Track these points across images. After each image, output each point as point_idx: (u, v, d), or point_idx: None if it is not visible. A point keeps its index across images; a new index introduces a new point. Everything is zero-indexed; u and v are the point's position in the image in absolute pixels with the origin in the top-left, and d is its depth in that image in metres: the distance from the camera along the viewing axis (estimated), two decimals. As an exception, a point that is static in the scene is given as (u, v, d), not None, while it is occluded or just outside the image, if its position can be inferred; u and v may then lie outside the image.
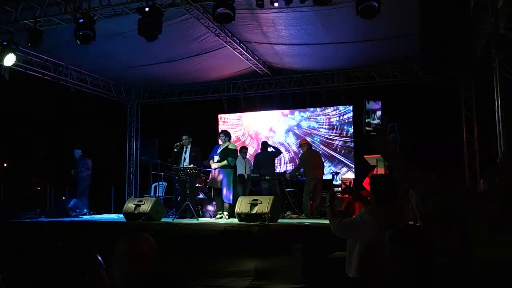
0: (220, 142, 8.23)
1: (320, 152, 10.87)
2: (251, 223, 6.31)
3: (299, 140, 10.39)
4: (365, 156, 7.65)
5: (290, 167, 11.46)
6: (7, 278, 2.01)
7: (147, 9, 6.67)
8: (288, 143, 12.02)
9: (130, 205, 7.41)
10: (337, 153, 11.47)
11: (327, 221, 3.80)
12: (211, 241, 6.18)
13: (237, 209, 6.70)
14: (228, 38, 8.67)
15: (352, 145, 11.31)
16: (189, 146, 8.12)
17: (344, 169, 11.28)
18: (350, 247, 3.24)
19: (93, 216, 9.41)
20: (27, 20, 7.65)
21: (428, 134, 9.63)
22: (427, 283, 1.97)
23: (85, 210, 9.46)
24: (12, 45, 8.00)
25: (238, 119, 12.61)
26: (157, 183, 10.95)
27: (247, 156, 9.78)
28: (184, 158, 8.07)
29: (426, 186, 1.75)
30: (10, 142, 11.05)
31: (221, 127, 12.10)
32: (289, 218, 8.16)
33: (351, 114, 11.41)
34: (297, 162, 9.68)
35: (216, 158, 8.01)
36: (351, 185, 3.91)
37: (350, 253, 3.22)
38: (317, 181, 8.52)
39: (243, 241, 6.03)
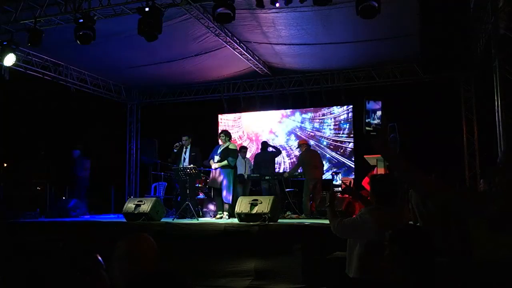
0: (220, 142, 8.23)
1: (327, 156, 10.86)
2: (251, 223, 6.31)
3: (298, 140, 10.38)
4: (365, 156, 7.65)
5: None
6: (7, 278, 2.01)
7: (147, 9, 6.66)
8: (290, 147, 11.83)
9: (130, 205, 7.41)
10: (340, 154, 11.42)
11: (327, 221, 3.80)
12: (211, 241, 6.18)
13: (237, 209, 6.70)
14: (228, 38, 8.67)
15: (351, 145, 11.29)
16: (188, 146, 8.12)
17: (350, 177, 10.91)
18: (350, 247, 3.24)
19: (92, 216, 9.42)
20: (27, 20, 7.65)
21: (428, 134, 9.62)
22: (427, 283, 1.96)
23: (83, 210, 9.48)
24: (12, 45, 7.99)
25: (234, 121, 12.55)
26: (157, 183, 10.96)
27: (247, 156, 9.78)
28: (184, 158, 8.06)
29: (426, 186, 1.75)
30: (10, 142, 11.04)
31: (220, 128, 12.08)
32: (289, 218, 8.16)
33: (351, 114, 11.40)
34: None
35: (217, 158, 8.01)
36: (351, 185, 3.92)
37: (350, 253, 3.22)
38: (316, 181, 8.51)
39: (243, 241, 6.04)
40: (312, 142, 11.32)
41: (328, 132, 11.59)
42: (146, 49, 8.61)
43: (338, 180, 9.84)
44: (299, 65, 10.54)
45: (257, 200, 6.66)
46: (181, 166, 7.95)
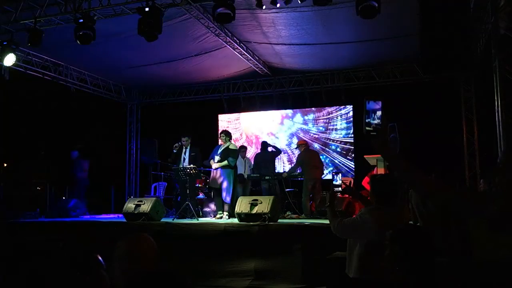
0: (220, 142, 8.22)
1: (336, 160, 10.82)
2: (251, 223, 6.31)
3: (298, 140, 10.36)
4: (365, 156, 7.66)
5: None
6: (7, 278, 2.01)
7: (147, 9, 6.66)
8: (292, 150, 11.63)
9: (130, 205, 7.41)
10: (343, 156, 11.38)
11: (327, 221, 3.80)
12: (211, 241, 6.18)
13: (237, 209, 6.70)
14: (228, 38, 8.67)
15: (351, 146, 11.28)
16: (188, 147, 8.12)
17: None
18: (350, 247, 3.24)
19: (92, 216, 9.42)
20: (27, 20, 7.65)
21: (428, 134, 9.62)
22: (427, 283, 1.97)
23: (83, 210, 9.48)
24: (12, 45, 7.99)
25: (229, 122, 12.47)
26: (157, 183, 10.96)
27: (247, 156, 9.77)
28: (184, 159, 8.06)
29: (426, 186, 1.75)
30: (10, 142, 11.04)
31: (220, 128, 12.04)
32: (289, 218, 8.16)
33: (351, 114, 11.39)
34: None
35: (217, 158, 8.01)
36: (351, 185, 3.92)
37: (350, 253, 3.22)
38: (315, 181, 8.50)
39: (243, 241, 6.04)
40: (316, 146, 11.28)
41: (334, 134, 11.46)
42: (146, 49, 8.61)
43: (338, 180, 9.81)
44: (299, 65, 10.54)
45: (257, 200, 6.66)
46: (181, 166, 7.95)
